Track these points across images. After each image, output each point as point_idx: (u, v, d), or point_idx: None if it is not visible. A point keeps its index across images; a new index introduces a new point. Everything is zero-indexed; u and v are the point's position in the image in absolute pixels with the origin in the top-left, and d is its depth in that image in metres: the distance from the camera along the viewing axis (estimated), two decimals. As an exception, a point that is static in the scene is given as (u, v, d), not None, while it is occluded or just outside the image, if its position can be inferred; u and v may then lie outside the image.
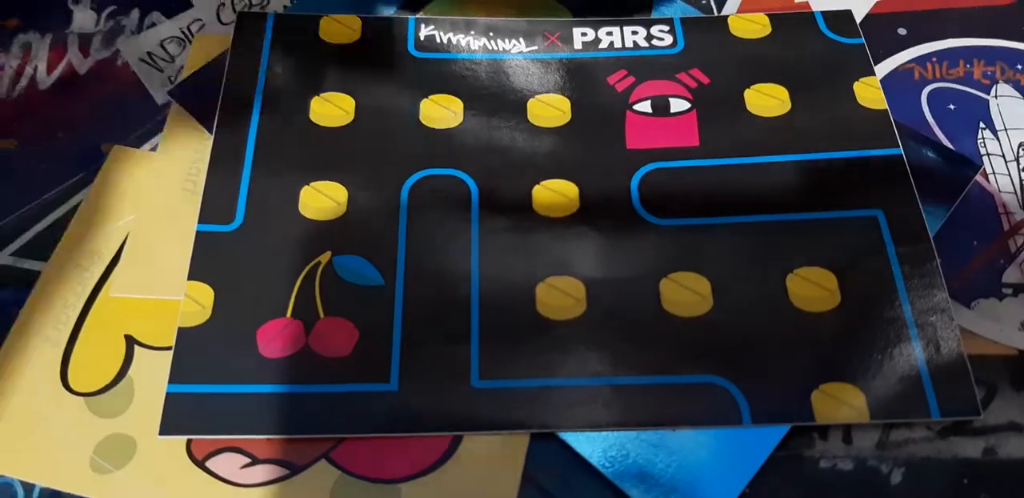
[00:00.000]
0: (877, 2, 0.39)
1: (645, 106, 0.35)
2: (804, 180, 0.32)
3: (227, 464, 0.28)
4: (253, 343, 0.29)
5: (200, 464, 0.28)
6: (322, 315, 0.30)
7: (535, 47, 0.37)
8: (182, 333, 0.30)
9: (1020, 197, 0.33)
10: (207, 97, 0.35)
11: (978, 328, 0.30)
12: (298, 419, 0.28)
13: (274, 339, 0.29)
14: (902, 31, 0.39)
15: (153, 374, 0.30)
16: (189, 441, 0.29)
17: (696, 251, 0.31)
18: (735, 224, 0.31)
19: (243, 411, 0.28)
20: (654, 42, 0.37)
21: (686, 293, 0.30)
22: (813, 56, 0.36)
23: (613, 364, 0.28)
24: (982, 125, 0.35)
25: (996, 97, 0.36)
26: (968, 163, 0.34)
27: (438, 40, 0.37)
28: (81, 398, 0.30)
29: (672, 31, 0.37)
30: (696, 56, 0.36)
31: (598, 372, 0.28)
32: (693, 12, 0.39)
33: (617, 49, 0.37)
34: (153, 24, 0.40)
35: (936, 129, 0.35)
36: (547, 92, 0.35)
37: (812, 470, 0.28)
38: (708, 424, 0.28)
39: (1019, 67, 0.37)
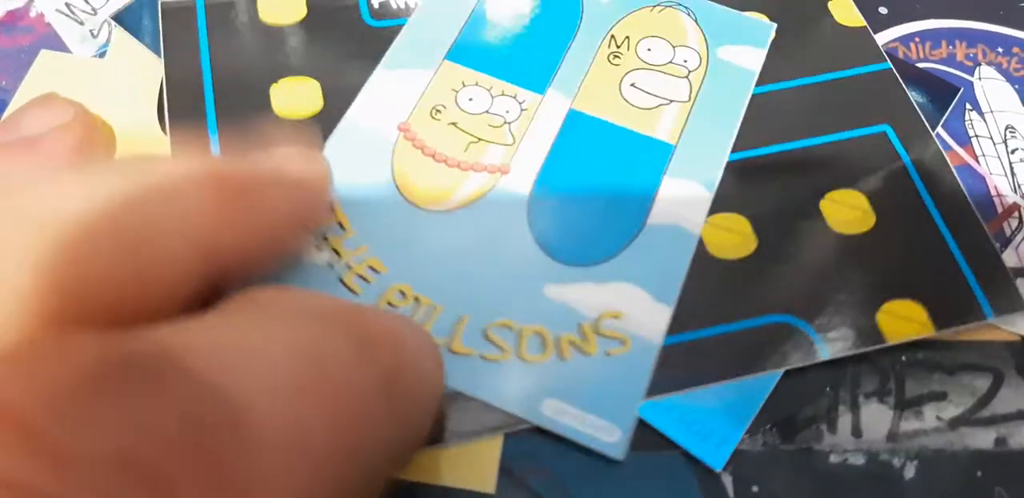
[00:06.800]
0: (857, -20, 0.38)
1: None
2: (806, 106, 0.32)
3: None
4: None
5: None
6: None
7: None
8: None
9: (1011, 179, 0.33)
10: (155, 20, 0.32)
11: (981, 313, 0.29)
12: None
13: None
14: (883, 10, 0.37)
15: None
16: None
17: (729, 191, 0.29)
18: (756, 158, 0.30)
19: None
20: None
21: (728, 235, 0.29)
22: None
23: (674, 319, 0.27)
24: (969, 107, 0.34)
25: (980, 79, 0.35)
26: (947, 87, 0.34)
27: (394, 6, 0.34)
28: None
29: None
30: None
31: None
32: None
33: None
34: (72, -28, 0.35)
35: (924, 109, 0.34)
36: None
37: (823, 465, 0.26)
38: (787, 364, 0.26)
39: (999, 50, 0.37)
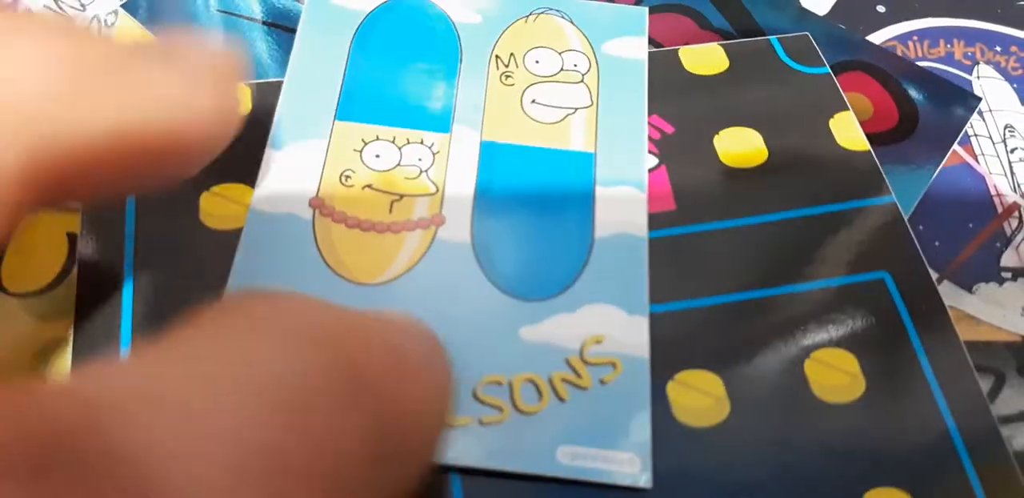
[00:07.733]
0: (854, -22, 0.38)
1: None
2: (797, 243, 0.27)
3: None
4: None
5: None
6: None
7: None
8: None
9: (1010, 179, 0.32)
10: (161, 10, 0.33)
11: (982, 314, 0.29)
12: None
13: None
14: (881, 8, 0.37)
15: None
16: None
17: (700, 342, 0.25)
18: (736, 303, 0.26)
19: None
20: None
21: (698, 396, 0.25)
22: (780, 92, 0.31)
23: None
24: (967, 105, 0.34)
25: (979, 78, 0.35)
26: (965, 98, 0.32)
27: None
28: (17, 299, 0.27)
29: None
30: (653, 99, 0.30)
31: None
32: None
33: None
34: (60, -34, 0.35)
35: (923, 108, 0.34)
36: None
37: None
38: None
39: (998, 49, 0.36)
